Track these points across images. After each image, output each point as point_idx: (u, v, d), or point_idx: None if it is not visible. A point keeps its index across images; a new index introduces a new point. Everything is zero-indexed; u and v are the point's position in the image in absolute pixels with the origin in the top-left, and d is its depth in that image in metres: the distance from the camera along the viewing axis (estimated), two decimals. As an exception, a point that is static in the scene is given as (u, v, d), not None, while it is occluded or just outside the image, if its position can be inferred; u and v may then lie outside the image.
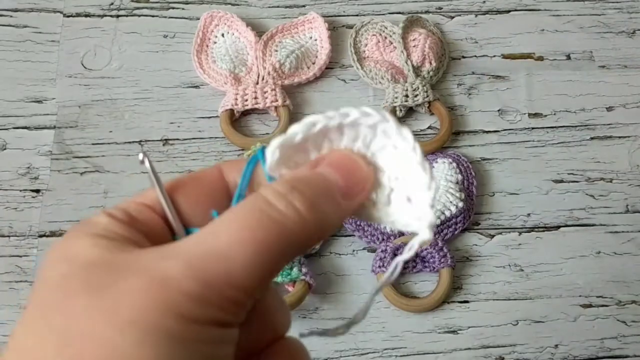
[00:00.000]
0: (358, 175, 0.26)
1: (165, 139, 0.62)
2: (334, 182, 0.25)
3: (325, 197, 0.25)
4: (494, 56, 0.66)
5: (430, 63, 0.64)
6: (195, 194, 0.27)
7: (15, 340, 0.22)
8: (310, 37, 0.66)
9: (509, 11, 0.68)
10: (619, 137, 0.64)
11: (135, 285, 0.21)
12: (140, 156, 0.26)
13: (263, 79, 0.63)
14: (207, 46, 0.65)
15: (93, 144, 0.62)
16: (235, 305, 0.23)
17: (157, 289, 0.21)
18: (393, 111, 0.63)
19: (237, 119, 0.63)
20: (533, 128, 0.64)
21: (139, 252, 0.23)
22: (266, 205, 0.24)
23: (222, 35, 0.66)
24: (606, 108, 0.65)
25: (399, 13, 0.67)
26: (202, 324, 0.22)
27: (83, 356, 0.20)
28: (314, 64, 0.65)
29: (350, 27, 0.67)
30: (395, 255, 0.57)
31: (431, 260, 0.58)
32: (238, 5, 0.68)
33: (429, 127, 0.64)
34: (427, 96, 0.63)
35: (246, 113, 0.63)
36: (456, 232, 0.59)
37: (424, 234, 0.26)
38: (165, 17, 0.67)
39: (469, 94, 0.65)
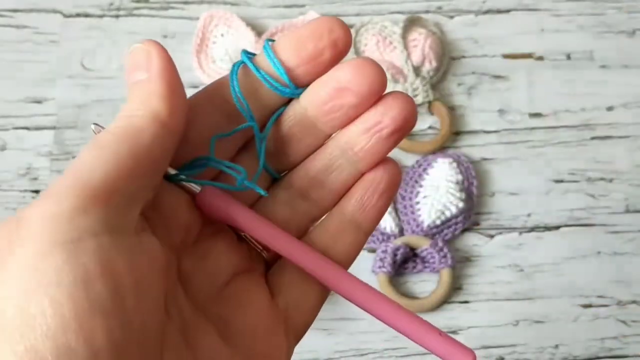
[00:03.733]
0: (140, 52, 0.27)
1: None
2: (139, 78, 0.26)
3: (142, 94, 0.26)
4: (494, 56, 0.66)
5: (431, 63, 0.64)
6: (206, 112, 0.27)
7: None
8: (310, 37, 0.66)
9: (509, 11, 0.68)
10: (619, 137, 0.64)
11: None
12: (93, 127, 0.27)
13: (263, 79, 0.63)
14: (207, 46, 0.65)
15: (93, 145, 0.62)
16: (108, 204, 0.23)
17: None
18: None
19: (237, 119, 0.63)
20: (533, 128, 0.64)
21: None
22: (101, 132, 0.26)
23: (222, 35, 0.66)
24: (606, 108, 0.65)
25: (399, 13, 0.67)
26: (100, 233, 0.22)
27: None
28: (313, 64, 0.65)
29: (350, 27, 0.67)
30: (395, 255, 0.57)
31: (431, 260, 0.58)
32: (238, 5, 0.68)
33: (429, 127, 0.64)
34: (428, 96, 0.63)
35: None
36: (456, 232, 0.59)
37: None
38: (164, 17, 0.67)
39: (469, 94, 0.65)
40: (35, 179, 0.61)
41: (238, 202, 0.27)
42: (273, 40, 0.27)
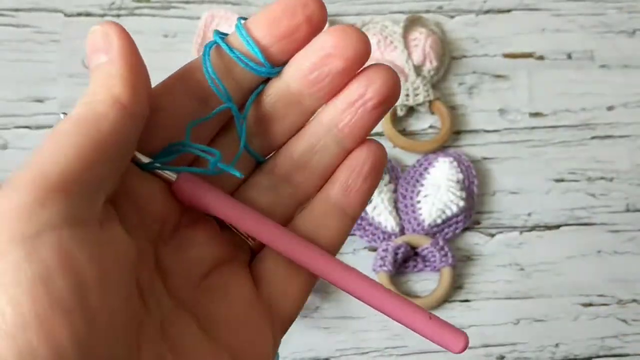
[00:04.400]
0: (99, 35, 0.26)
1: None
2: (100, 62, 0.25)
3: (102, 77, 0.25)
4: (495, 55, 0.66)
5: (431, 62, 0.64)
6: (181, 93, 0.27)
7: None
8: (311, 37, 0.66)
9: (509, 10, 0.68)
10: (620, 136, 0.64)
11: None
12: (62, 116, 0.25)
13: (264, 78, 0.63)
14: (208, 46, 0.65)
15: (94, 144, 0.62)
16: (69, 193, 0.22)
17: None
18: (394, 110, 0.63)
19: (238, 119, 0.63)
20: (534, 127, 0.64)
21: None
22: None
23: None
24: (607, 107, 0.65)
25: (400, 12, 0.67)
26: (60, 226, 0.22)
27: None
28: (314, 63, 0.65)
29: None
30: (396, 254, 0.57)
31: (432, 259, 0.58)
32: (239, 4, 0.68)
33: (430, 127, 0.64)
34: (428, 95, 0.63)
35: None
36: (457, 231, 0.59)
37: None
38: (166, 16, 0.67)
39: (470, 93, 0.65)
40: (37, 177, 0.61)
41: (216, 189, 0.26)
42: (245, 19, 0.26)
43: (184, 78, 0.27)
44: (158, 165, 0.26)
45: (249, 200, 0.27)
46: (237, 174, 0.26)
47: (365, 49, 0.26)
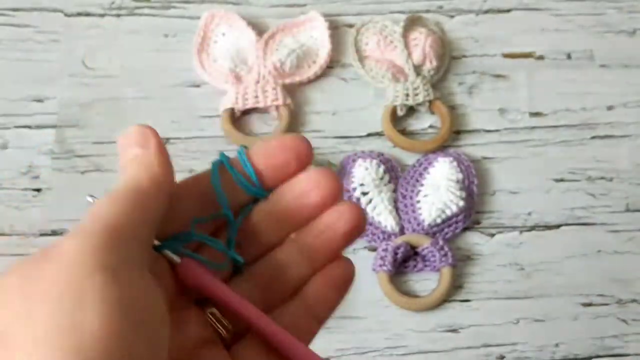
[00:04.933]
0: (135, 132, 0.31)
1: (166, 138, 0.62)
2: (136, 154, 0.30)
3: (143, 161, 0.30)
4: (495, 55, 0.66)
5: (431, 62, 0.64)
6: (188, 199, 0.31)
7: None
8: (311, 36, 0.66)
9: (509, 10, 0.68)
10: (620, 136, 0.64)
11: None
12: (89, 198, 0.31)
13: (264, 78, 0.63)
14: (208, 45, 0.65)
15: (94, 143, 0.62)
16: (120, 242, 0.27)
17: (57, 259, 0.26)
18: (394, 110, 0.63)
19: (238, 118, 0.63)
20: (534, 127, 0.64)
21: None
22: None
23: (223, 34, 0.66)
24: (607, 107, 0.65)
25: (400, 12, 0.67)
26: (111, 267, 0.25)
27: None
28: (314, 63, 0.65)
29: (351, 26, 0.67)
30: (396, 254, 0.57)
31: (432, 259, 0.58)
32: (239, 4, 0.68)
33: (430, 126, 0.64)
34: (428, 95, 0.63)
35: (247, 112, 0.64)
36: (457, 231, 0.59)
37: None
38: (166, 16, 0.67)
39: (470, 93, 0.65)
40: (37, 177, 0.61)
41: (212, 275, 0.30)
42: (246, 147, 0.32)
43: (192, 185, 0.31)
44: (166, 248, 0.30)
45: None
46: (240, 259, 0.31)
47: (338, 191, 0.31)
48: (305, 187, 0.31)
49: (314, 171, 0.31)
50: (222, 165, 0.32)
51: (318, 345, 0.57)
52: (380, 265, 0.57)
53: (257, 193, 0.32)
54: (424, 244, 0.58)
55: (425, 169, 0.61)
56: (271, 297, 0.32)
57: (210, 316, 0.31)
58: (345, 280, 0.32)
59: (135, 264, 0.26)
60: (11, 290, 0.25)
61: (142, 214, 0.28)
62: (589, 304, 0.58)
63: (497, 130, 0.64)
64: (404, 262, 0.59)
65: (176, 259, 0.30)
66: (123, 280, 0.25)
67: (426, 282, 0.59)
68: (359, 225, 0.32)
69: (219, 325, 0.31)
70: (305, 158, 0.31)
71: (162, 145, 0.30)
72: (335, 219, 0.31)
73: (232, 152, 0.63)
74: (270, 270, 0.32)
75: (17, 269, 0.26)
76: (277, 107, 0.63)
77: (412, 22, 0.66)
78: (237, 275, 0.32)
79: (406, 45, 0.65)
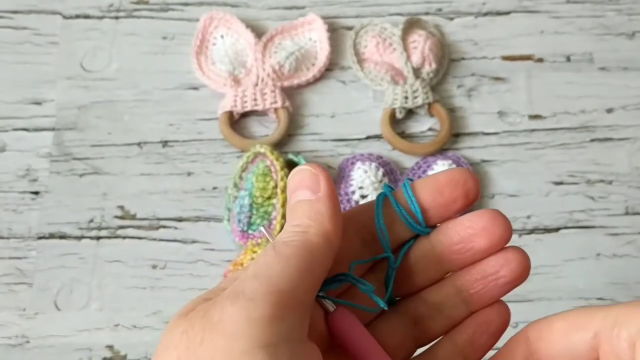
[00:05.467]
0: (308, 174, 0.30)
1: (165, 141, 0.62)
2: (306, 198, 0.29)
3: (311, 212, 0.29)
4: (494, 58, 0.66)
5: (430, 65, 0.64)
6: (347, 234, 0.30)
7: None
8: (310, 39, 0.66)
9: (508, 13, 0.68)
10: (619, 139, 0.64)
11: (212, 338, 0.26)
12: (262, 229, 0.31)
13: (262, 80, 0.63)
14: (207, 48, 0.65)
15: (92, 146, 0.62)
16: (284, 310, 0.26)
17: (217, 331, 0.26)
18: (393, 113, 0.63)
19: (237, 121, 0.63)
20: (533, 130, 0.64)
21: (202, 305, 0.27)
22: (277, 242, 0.28)
23: (222, 36, 0.66)
24: (606, 110, 0.65)
25: (399, 15, 0.67)
26: (274, 344, 0.25)
27: None
28: (313, 65, 0.65)
29: (350, 28, 0.67)
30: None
31: (431, 262, 0.58)
32: (237, 6, 0.68)
33: (429, 129, 0.64)
34: (427, 98, 0.63)
35: (245, 115, 0.63)
36: (456, 234, 0.59)
37: None
38: (164, 18, 0.67)
39: (469, 96, 0.65)
40: (35, 180, 0.61)
41: (363, 329, 0.30)
42: (412, 180, 0.31)
43: (352, 219, 0.31)
44: (324, 295, 0.30)
45: (380, 333, 0.31)
46: (384, 305, 0.30)
47: (508, 235, 0.30)
48: (474, 230, 0.30)
49: (485, 213, 0.30)
50: (386, 198, 0.31)
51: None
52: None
53: (420, 231, 0.31)
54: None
55: (425, 171, 0.61)
56: (422, 335, 0.31)
57: None
58: (501, 326, 0.31)
59: (297, 335, 0.26)
60: (177, 354, 0.25)
61: (312, 278, 0.27)
62: (589, 308, 0.58)
63: (496, 133, 0.63)
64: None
65: (331, 307, 0.30)
66: (283, 357, 0.25)
67: (425, 285, 0.59)
68: (524, 273, 0.31)
69: None
70: (473, 195, 0.30)
71: (333, 191, 0.29)
72: (500, 266, 0.30)
73: (232, 153, 0.63)
74: (425, 308, 0.31)
75: (180, 331, 0.26)
76: (275, 110, 0.63)
77: (411, 24, 0.66)
78: (391, 309, 0.31)
79: (405, 47, 0.65)
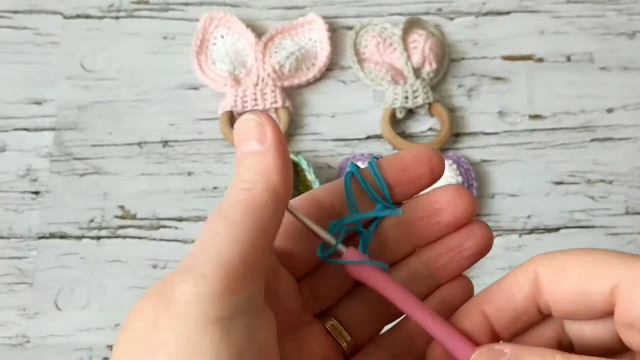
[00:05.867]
0: (253, 124, 0.28)
1: (165, 141, 0.62)
2: (252, 149, 0.28)
3: (257, 165, 0.27)
4: (494, 58, 0.66)
5: (430, 64, 0.64)
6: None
7: None
8: (310, 39, 0.66)
9: (509, 12, 0.68)
10: (619, 138, 0.64)
11: (150, 309, 0.25)
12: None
13: (263, 80, 0.63)
14: (207, 47, 0.65)
15: (92, 146, 0.62)
16: (238, 282, 0.25)
17: (164, 309, 0.24)
18: (393, 113, 0.63)
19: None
20: (533, 130, 0.64)
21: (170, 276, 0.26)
22: (222, 203, 0.27)
23: (222, 36, 0.66)
24: (606, 110, 0.64)
25: (399, 14, 0.67)
26: (226, 318, 0.24)
27: None
28: (313, 65, 0.65)
29: (350, 28, 0.67)
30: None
31: (431, 262, 0.58)
32: (238, 6, 0.68)
33: (429, 129, 0.64)
34: (427, 98, 0.63)
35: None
36: (456, 234, 0.59)
37: None
38: (164, 18, 0.67)
39: (469, 96, 0.65)
40: (35, 180, 0.61)
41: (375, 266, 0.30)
42: (378, 158, 0.31)
43: (321, 199, 0.31)
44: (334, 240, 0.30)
45: (349, 309, 0.31)
46: (385, 265, 0.30)
47: (473, 209, 0.31)
48: (440, 204, 0.30)
49: (449, 188, 0.31)
50: (354, 177, 0.31)
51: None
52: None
53: (387, 207, 0.31)
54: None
55: (425, 171, 0.61)
56: (389, 311, 0.31)
57: (331, 329, 0.31)
58: (465, 299, 0.31)
59: (254, 304, 0.25)
60: (132, 339, 0.24)
61: (264, 240, 0.26)
62: (589, 307, 0.58)
63: (496, 133, 0.63)
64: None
65: (343, 248, 0.29)
66: (238, 331, 0.24)
67: (425, 285, 0.59)
68: (488, 246, 0.31)
69: (340, 338, 0.31)
70: (438, 171, 0.31)
71: (281, 141, 0.27)
72: (464, 238, 0.31)
73: (232, 153, 0.63)
74: None
75: (137, 313, 0.25)
76: (276, 110, 0.63)
77: (412, 24, 0.66)
78: (356, 286, 0.32)
79: (405, 47, 0.65)
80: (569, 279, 0.28)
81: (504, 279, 0.30)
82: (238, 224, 0.25)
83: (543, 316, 0.29)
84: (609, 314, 0.27)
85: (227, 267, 0.24)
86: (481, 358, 0.27)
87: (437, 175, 0.31)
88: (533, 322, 0.29)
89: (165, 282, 0.25)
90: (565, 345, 0.29)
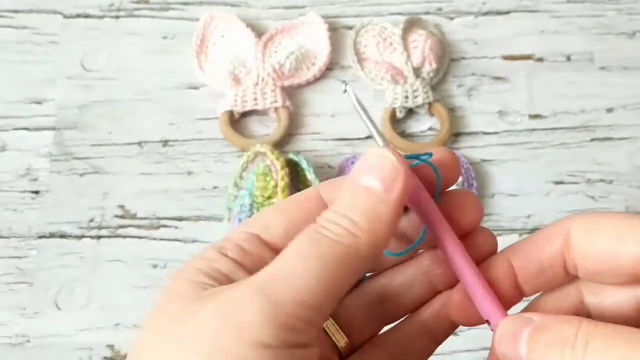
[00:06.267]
0: (389, 166, 0.26)
1: (165, 141, 0.62)
2: (374, 190, 0.26)
3: (372, 213, 0.26)
4: (494, 57, 0.66)
5: (431, 64, 0.64)
6: (295, 217, 0.28)
7: None
8: (310, 39, 0.66)
9: (509, 12, 0.68)
10: (619, 138, 0.64)
11: (210, 316, 0.24)
12: (344, 86, 0.29)
13: (263, 80, 0.63)
14: (207, 47, 0.65)
15: (93, 146, 0.62)
16: (305, 324, 0.24)
17: (229, 317, 0.23)
18: (393, 113, 0.63)
19: (237, 121, 0.63)
20: (533, 130, 0.64)
21: (224, 287, 0.25)
22: (322, 230, 0.25)
23: (222, 36, 0.66)
24: (606, 110, 0.65)
25: (399, 14, 0.67)
26: (276, 347, 0.23)
27: None
28: (314, 65, 0.65)
29: (350, 28, 0.67)
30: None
31: (431, 262, 0.58)
32: (238, 6, 0.68)
33: (430, 129, 0.64)
34: (428, 97, 0.63)
35: (246, 114, 0.63)
36: (456, 234, 0.59)
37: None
38: (165, 18, 0.67)
39: (469, 96, 0.65)
40: (35, 180, 0.61)
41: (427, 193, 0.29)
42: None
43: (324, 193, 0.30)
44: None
45: (348, 308, 0.31)
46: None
47: (479, 218, 0.30)
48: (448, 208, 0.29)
49: (459, 193, 0.30)
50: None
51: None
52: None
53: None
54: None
55: (425, 171, 0.61)
56: (386, 314, 0.31)
57: (328, 329, 0.30)
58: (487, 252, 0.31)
59: (302, 344, 0.24)
60: (203, 340, 0.23)
61: (344, 287, 0.25)
62: (589, 307, 0.58)
63: (496, 133, 0.64)
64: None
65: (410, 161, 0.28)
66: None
67: (425, 285, 0.59)
68: (493, 251, 0.30)
69: (336, 337, 0.30)
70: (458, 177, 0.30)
71: (404, 199, 0.26)
72: (470, 247, 0.30)
73: (232, 153, 0.63)
74: (392, 286, 0.31)
75: (210, 315, 0.24)
76: (276, 110, 0.63)
77: (412, 24, 0.66)
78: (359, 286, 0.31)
79: (406, 47, 0.65)
80: (601, 238, 0.27)
81: (536, 234, 0.29)
82: (333, 270, 0.24)
83: (568, 277, 0.29)
84: (635, 280, 0.27)
85: (300, 304, 0.23)
86: (510, 325, 0.27)
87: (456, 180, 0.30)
88: (557, 281, 0.29)
89: (232, 294, 0.24)
90: (583, 316, 0.29)
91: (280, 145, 0.62)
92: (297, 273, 0.24)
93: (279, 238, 0.28)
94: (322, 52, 0.65)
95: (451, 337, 0.58)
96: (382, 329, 0.32)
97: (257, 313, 0.23)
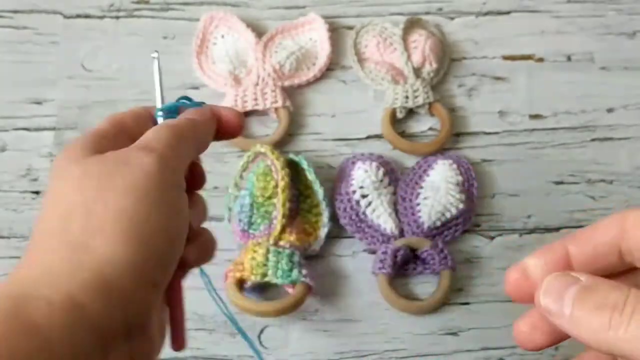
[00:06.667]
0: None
1: (165, 141, 0.62)
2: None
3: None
4: (495, 57, 0.66)
5: (431, 64, 0.64)
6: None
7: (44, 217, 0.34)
8: (310, 39, 0.66)
9: (509, 12, 0.68)
10: (620, 138, 0.64)
11: (103, 161, 0.33)
12: (155, 54, 0.42)
13: (263, 80, 0.63)
14: (207, 47, 0.65)
15: (93, 146, 0.62)
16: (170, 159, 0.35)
17: (119, 161, 0.33)
18: (393, 112, 0.63)
19: (237, 121, 0.63)
20: (533, 129, 0.64)
21: (127, 150, 0.34)
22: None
23: (222, 36, 0.66)
24: (607, 109, 0.65)
25: (399, 14, 0.67)
26: (157, 172, 0.33)
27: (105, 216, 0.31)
28: (314, 65, 0.65)
29: (350, 28, 0.67)
30: (395, 256, 0.57)
31: (431, 262, 0.58)
32: (238, 6, 0.68)
33: (430, 129, 0.64)
34: (428, 97, 0.63)
35: (246, 114, 0.63)
36: (457, 234, 0.59)
37: None
38: (165, 18, 0.67)
39: (470, 95, 0.65)
40: (36, 179, 0.61)
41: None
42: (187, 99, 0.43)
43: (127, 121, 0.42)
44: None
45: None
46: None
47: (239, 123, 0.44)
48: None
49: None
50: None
51: (317, 348, 0.57)
52: (380, 268, 0.57)
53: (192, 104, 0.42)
54: (424, 246, 0.58)
55: (425, 171, 0.61)
56: None
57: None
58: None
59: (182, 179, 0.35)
60: (90, 177, 0.32)
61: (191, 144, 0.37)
62: (589, 307, 0.58)
63: (496, 133, 0.64)
64: (403, 265, 0.58)
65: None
66: (184, 197, 0.34)
67: (426, 285, 0.59)
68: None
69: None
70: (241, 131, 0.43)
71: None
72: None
73: (232, 153, 0.63)
74: None
75: (97, 163, 0.33)
76: (276, 110, 0.63)
77: (412, 24, 0.66)
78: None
79: (406, 47, 0.64)
80: None
81: (594, 223, 0.30)
82: (181, 136, 0.37)
83: (622, 265, 0.30)
84: None
85: (176, 158, 0.35)
86: (555, 281, 0.28)
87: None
88: (610, 268, 0.30)
89: (123, 153, 0.34)
90: None
91: (280, 145, 0.62)
92: (159, 138, 0.35)
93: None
94: (322, 52, 0.65)
95: (451, 338, 0.59)
96: None
97: (142, 155, 0.33)
